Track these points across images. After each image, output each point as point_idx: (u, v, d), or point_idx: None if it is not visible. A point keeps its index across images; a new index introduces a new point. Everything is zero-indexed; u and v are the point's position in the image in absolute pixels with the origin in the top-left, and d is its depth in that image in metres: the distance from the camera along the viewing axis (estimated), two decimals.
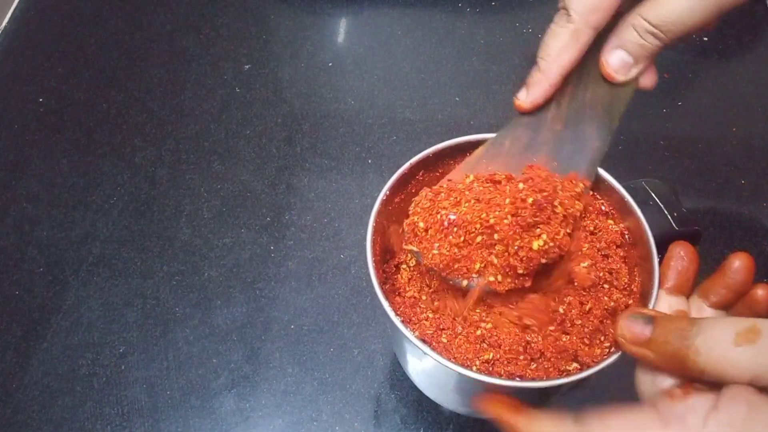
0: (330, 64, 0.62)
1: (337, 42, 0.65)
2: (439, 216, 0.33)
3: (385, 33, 0.64)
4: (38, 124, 0.58)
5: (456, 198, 0.34)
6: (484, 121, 0.58)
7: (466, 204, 0.33)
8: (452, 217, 0.33)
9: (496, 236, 0.31)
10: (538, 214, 0.32)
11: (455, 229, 0.32)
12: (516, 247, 0.31)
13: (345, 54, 0.63)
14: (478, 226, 0.32)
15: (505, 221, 0.31)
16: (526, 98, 0.34)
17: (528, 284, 0.32)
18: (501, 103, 0.59)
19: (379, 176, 0.54)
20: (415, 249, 0.34)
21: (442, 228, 0.33)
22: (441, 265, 0.33)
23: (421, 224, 0.33)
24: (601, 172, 0.36)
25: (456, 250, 0.32)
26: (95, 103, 0.59)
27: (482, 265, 0.32)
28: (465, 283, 0.33)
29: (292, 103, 0.59)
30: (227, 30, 0.65)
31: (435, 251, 0.33)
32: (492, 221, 0.31)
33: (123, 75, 0.61)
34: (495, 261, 0.32)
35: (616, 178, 0.35)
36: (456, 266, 0.33)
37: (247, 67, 0.62)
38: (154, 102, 0.59)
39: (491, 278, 0.32)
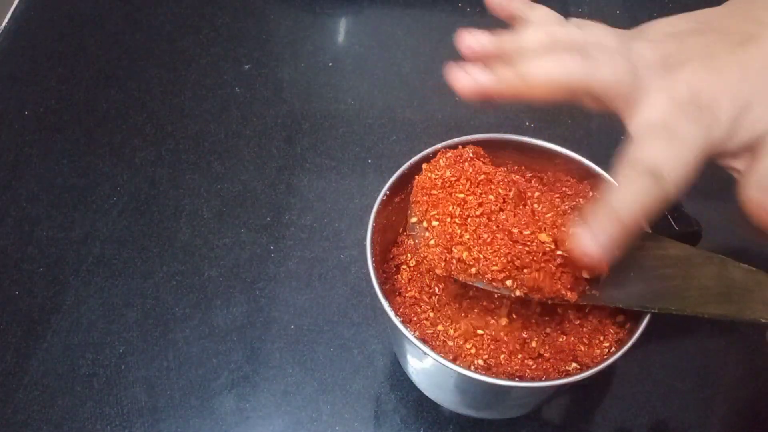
0: (330, 64, 0.62)
1: (337, 42, 0.65)
2: None
3: (385, 33, 0.64)
4: (38, 124, 0.58)
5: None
6: (484, 121, 0.58)
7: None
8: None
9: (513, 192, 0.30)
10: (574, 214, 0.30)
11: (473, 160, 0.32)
12: (529, 211, 0.30)
13: (345, 54, 0.63)
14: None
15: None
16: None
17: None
18: (501, 103, 0.59)
19: (379, 176, 0.54)
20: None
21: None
22: (425, 185, 0.32)
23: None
24: (599, 170, 0.36)
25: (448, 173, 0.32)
26: (95, 103, 0.59)
27: (453, 209, 0.30)
28: (424, 225, 0.31)
29: (292, 103, 0.59)
30: (227, 30, 0.65)
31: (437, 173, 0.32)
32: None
33: (123, 75, 0.61)
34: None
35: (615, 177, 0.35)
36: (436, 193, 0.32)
37: (247, 67, 0.62)
38: (154, 102, 0.59)
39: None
